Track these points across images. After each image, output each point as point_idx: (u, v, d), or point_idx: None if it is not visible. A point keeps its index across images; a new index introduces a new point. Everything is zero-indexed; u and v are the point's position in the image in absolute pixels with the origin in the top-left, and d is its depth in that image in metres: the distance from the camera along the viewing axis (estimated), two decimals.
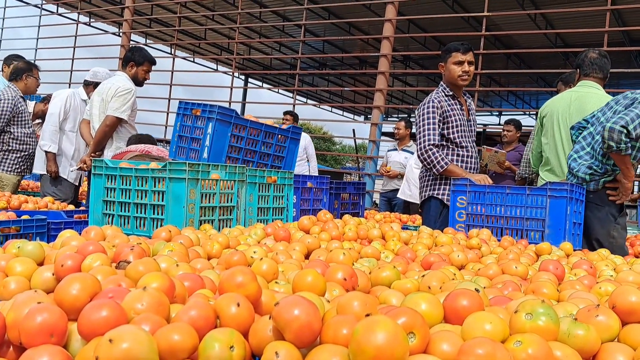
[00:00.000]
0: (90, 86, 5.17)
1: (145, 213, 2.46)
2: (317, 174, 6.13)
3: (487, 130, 18.10)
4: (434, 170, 3.55)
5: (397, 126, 7.51)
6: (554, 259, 2.09)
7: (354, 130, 14.94)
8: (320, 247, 2.00)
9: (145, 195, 2.46)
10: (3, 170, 5.13)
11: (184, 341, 0.88)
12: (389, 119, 25.11)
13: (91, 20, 14.91)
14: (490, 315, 0.98)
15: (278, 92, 22.76)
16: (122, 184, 2.52)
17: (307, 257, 1.93)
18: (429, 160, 3.54)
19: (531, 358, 0.88)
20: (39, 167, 5.19)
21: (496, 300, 1.25)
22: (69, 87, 8.14)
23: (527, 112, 21.64)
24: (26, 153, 5.20)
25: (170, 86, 11.24)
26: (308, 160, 7.31)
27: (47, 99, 5.84)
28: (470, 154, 3.71)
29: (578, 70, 3.75)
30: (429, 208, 3.72)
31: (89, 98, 5.07)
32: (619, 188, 3.15)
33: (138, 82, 4.66)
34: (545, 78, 17.37)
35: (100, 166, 2.59)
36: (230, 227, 2.59)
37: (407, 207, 6.78)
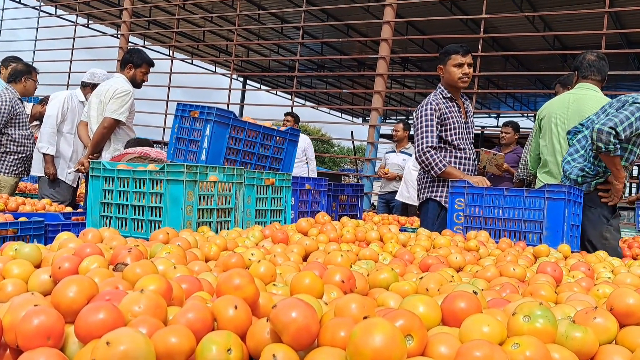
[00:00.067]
0: (88, 88, 5.17)
1: (143, 215, 2.46)
2: (316, 177, 6.12)
3: (485, 132, 18.13)
4: (432, 172, 3.55)
5: (395, 128, 7.51)
6: (552, 261, 2.09)
7: (352, 132, 14.93)
8: (318, 249, 2.00)
9: (143, 198, 2.46)
10: (0, 172, 5.12)
11: (181, 344, 0.87)
12: (387, 121, 25.14)
13: (89, 22, 14.92)
14: (488, 317, 0.98)
15: (276, 94, 22.77)
16: (120, 186, 2.52)
17: (305, 259, 1.93)
18: (427, 162, 3.55)
19: None
20: (37, 169, 5.18)
21: (494, 302, 1.25)
22: (67, 89, 8.15)
23: (525, 114, 21.66)
24: (24, 155, 5.19)
25: (169, 88, 11.24)
26: (307, 163, 7.28)
27: (44, 101, 5.83)
28: (468, 156, 3.72)
29: (576, 72, 3.75)
30: (427, 210, 3.72)
31: (87, 100, 5.06)
32: (610, 190, 3.17)
33: (136, 84, 4.66)
34: (543, 80, 17.40)
35: (97, 168, 2.59)
36: (228, 229, 2.59)
37: (405, 209, 6.78)
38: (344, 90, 16.40)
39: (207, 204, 2.51)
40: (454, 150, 3.66)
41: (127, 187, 2.50)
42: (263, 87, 22.07)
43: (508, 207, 3.00)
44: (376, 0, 11.26)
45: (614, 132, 2.89)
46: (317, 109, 23.64)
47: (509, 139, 6.30)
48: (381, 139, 10.65)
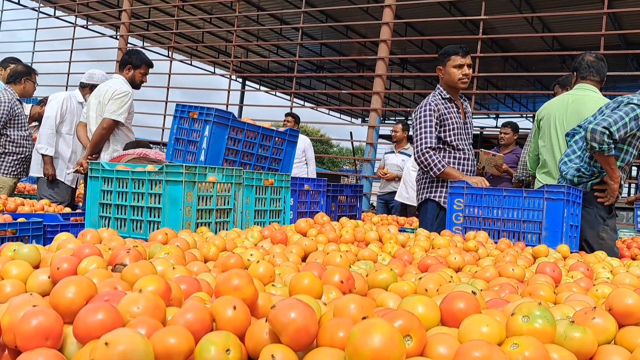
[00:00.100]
0: (87, 88, 5.17)
1: (141, 216, 2.46)
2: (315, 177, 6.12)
3: (484, 132, 18.14)
4: (431, 172, 3.56)
5: (394, 129, 7.51)
6: (551, 261, 2.09)
7: (351, 132, 14.96)
8: (317, 250, 2.00)
9: (142, 198, 2.46)
10: None
11: (180, 344, 0.87)
12: (386, 121, 25.14)
13: (88, 23, 14.92)
14: (487, 317, 0.98)
15: (275, 95, 22.78)
16: (119, 187, 2.52)
17: (304, 259, 1.93)
18: (426, 163, 3.55)
19: None
20: (36, 169, 5.18)
21: (493, 302, 1.25)
22: (66, 90, 8.14)
23: (524, 115, 21.68)
24: (23, 156, 5.19)
25: (168, 89, 11.24)
26: (307, 164, 7.27)
27: (43, 102, 5.83)
28: (467, 156, 3.72)
29: (575, 73, 3.76)
30: (426, 210, 3.72)
31: (85, 100, 5.06)
32: (606, 190, 3.19)
33: (135, 84, 4.66)
34: (542, 81, 17.42)
35: (96, 169, 2.59)
36: (227, 229, 2.59)
37: (404, 210, 6.78)
38: (343, 91, 16.43)
39: (206, 205, 2.51)
40: (452, 151, 3.66)
41: (126, 188, 2.50)
42: (262, 88, 22.08)
43: (507, 208, 3.01)
44: (375, 2, 11.28)
45: (607, 132, 2.92)
46: (316, 110, 23.65)
47: (508, 139, 6.31)
48: (380, 140, 10.65)
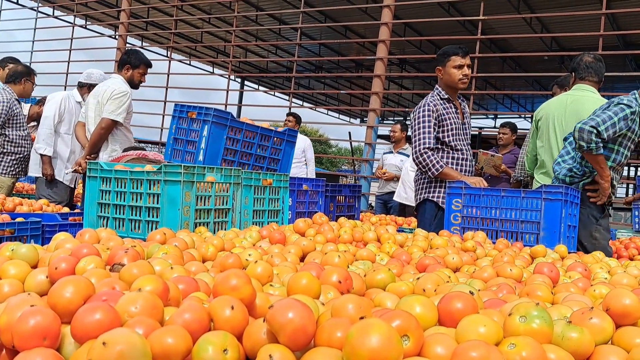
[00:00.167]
0: (85, 88, 5.16)
1: (140, 215, 2.46)
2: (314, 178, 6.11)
3: (482, 133, 18.16)
4: (430, 173, 3.56)
5: (392, 129, 7.51)
6: (549, 261, 2.09)
7: (350, 133, 14.96)
8: (315, 250, 2.00)
9: (141, 198, 2.46)
10: None
11: (177, 344, 0.87)
12: (384, 121, 25.14)
13: (87, 23, 14.91)
14: (485, 318, 0.98)
15: (274, 95, 22.77)
16: (117, 187, 2.52)
17: (302, 259, 1.93)
18: (424, 163, 3.55)
19: None
20: (34, 169, 5.18)
21: (490, 302, 1.26)
22: (65, 90, 8.14)
23: (523, 115, 21.70)
24: (21, 155, 5.18)
25: (166, 89, 11.24)
26: (306, 164, 7.26)
27: (42, 102, 5.83)
28: (465, 157, 3.72)
29: (573, 73, 3.77)
30: (425, 211, 3.73)
31: (83, 100, 5.06)
32: (598, 189, 3.21)
33: (134, 84, 4.65)
34: (540, 81, 17.44)
35: (95, 169, 2.59)
36: (225, 229, 2.59)
37: (402, 210, 6.78)
38: (341, 91, 16.42)
39: (204, 205, 2.51)
40: (451, 151, 3.67)
41: (125, 188, 2.50)
42: (261, 88, 22.07)
43: (505, 208, 3.01)
44: (374, 2, 11.29)
45: (595, 131, 2.96)
46: (315, 110, 23.65)
47: (506, 139, 6.31)
48: (379, 140, 10.65)
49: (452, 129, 3.64)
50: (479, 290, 1.40)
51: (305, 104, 23.85)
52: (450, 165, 3.63)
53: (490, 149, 6.59)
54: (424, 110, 3.61)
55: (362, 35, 14.16)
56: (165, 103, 11.15)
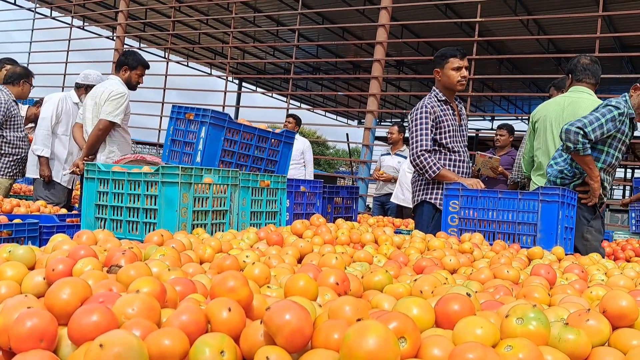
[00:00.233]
0: (82, 89, 5.16)
1: (137, 217, 2.46)
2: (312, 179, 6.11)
3: (479, 134, 18.18)
4: (427, 175, 3.56)
5: (390, 131, 7.52)
6: (546, 263, 2.10)
7: (347, 134, 14.98)
8: (312, 252, 2.00)
9: (138, 200, 2.46)
10: None
11: (174, 346, 0.87)
12: (382, 123, 25.18)
13: (85, 24, 14.90)
14: (481, 319, 0.99)
15: (272, 97, 22.77)
16: (115, 188, 2.52)
17: (299, 261, 1.93)
18: (421, 165, 3.55)
19: None
20: (32, 171, 5.17)
21: (487, 304, 1.26)
22: (62, 91, 8.12)
23: (520, 117, 21.74)
24: (19, 157, 5.18)
25: (164, 90, 11.23)
26: (305, 165, 7.25)
27: (39, 103, 5.82)
28: (462, 158, 3.73)
29: (570, 75, 3.78)
30: (422, 212, 3.73)
31: (81, 101, 5.05)
32: (589, 191, 3.24)
33: (131, 86, 4.65)
34: (537, 83, 17.47)
35: (92, 170, 2.59)
36: (223, 231, 2.58)
37: (400, 211, 6.79)
38: (339, 93, 16.43)
39: (202, 206, 2.51)
40: (448, 153, 3.67)
41: (122, 189, 2.50)
42: (259, 89, 22.09)
43: (502, 210, 3.01)
44: (371, 4, 11.30)
45: (582, 132, 3.01)
46: (313, 112, 23.69)
47: (503, 141, 6.32)
48: (376, 142, 10.66)
49: (449, 131, 3.65)
50: (476, 292, 1.40)
51: (303, 106, 23.87)
52: (447, 167, 3.63)
53: (488, 150, 6.60)
54: (421, 112, 3.61)
55: (359, 37, 14.17)
56: (162, 104, 11.14)
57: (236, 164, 3.38)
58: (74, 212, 4.26)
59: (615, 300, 1.13)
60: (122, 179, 2.49)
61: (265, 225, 2.83)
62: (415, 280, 1.48)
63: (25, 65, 7.76)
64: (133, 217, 2.47)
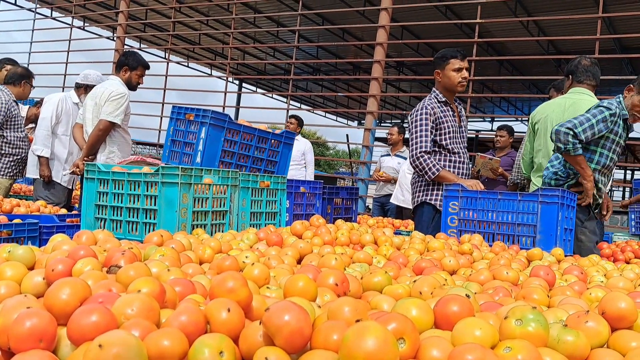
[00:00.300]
0: (82, 89, 5.16)
1: (137, 217, 2.46)
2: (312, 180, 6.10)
3: (479, 136, 18.18)
4: (427, 176, 3.56)
5: (390, 132, 7.52)
6: (545, 264, 2.10)
7: (347, 135, 14.98)
8: (312, 252, 2.00)
9: (138, 200, 2.46)
10: None
11: (173, 346, 0.87)
12: (382, 124, 25.19)
13: (85, 24, 14.90)
14: (480, 321, 0.99)
15: (272, 97, 22.78)
16: (115, 188, 2.52)
17: (299, 262, 1.93)
18: (421, 166, 3.56)
19: None
20: (32, 171, 5.17)
21: (487, 306, 1.26)
22: (63, 91, 8.13)
23: (520, 119, 21.76)
24: (19, 157, 5.18)
25: (164, 90, 11.23)
26: (305, 166, 7.25)
27: (40, 103, 5.82)
28: (462, 159, 3.73)
29: (570, 76, 3.78)
30: (422, 213, 3.73)
31: (81, 101, 5.05)
32: (583, 191, 3.25)
33: (131, 86, 4.65)
34: (537, 84, 17.49)
35: (92, 170, 2.59)
36: (222, 231, 2.58)
37: (400, 212, 6.79)
38: (339, 94, 16.46)
39: (201, 207, 2.51)
40: (448, 154, 3.67)
41: (122, 190, 2.50)
42: (259, 90, 22.09)
43: (502, 211, 3.01)
44: (371, 5, 11.31)
45: (572, 133, 3.04)
46: (313, 112, 23.73)
47: (503, 142, 6.33)
48: (376, 142, 10.66)
49: (449, 132, 3.65)
50: (475, 293, 1.40)
51: (303, 106, 23.88)
52: (447, 168, 3.63)
53: (487, 152, 6.60)
54: (421, 114, 3.62)
55: (359, 38, 14.18)
56: (163, 105, 11.15)
57: (236, 164, 3.38)
58: (73, 212, 4.26)
59: (615, 302, 1.13)
60: (122, 179, 2.49)
61: (265, 226, 2.83)
62: (414, 281, 1.48)
63: (26, 65, 7.76)
64: (133, 217, 2.47)
